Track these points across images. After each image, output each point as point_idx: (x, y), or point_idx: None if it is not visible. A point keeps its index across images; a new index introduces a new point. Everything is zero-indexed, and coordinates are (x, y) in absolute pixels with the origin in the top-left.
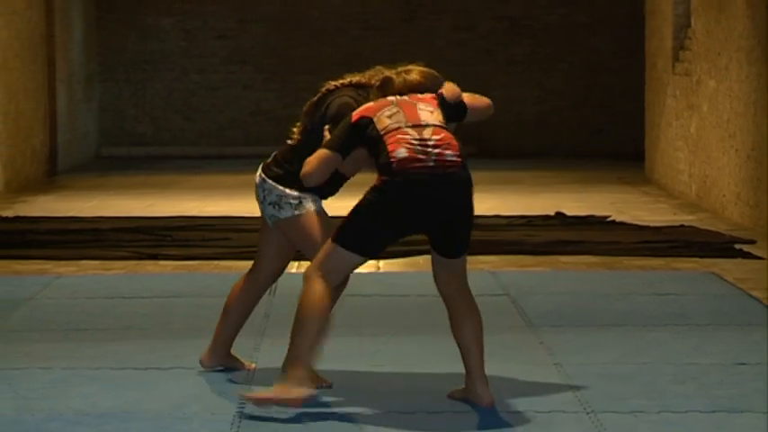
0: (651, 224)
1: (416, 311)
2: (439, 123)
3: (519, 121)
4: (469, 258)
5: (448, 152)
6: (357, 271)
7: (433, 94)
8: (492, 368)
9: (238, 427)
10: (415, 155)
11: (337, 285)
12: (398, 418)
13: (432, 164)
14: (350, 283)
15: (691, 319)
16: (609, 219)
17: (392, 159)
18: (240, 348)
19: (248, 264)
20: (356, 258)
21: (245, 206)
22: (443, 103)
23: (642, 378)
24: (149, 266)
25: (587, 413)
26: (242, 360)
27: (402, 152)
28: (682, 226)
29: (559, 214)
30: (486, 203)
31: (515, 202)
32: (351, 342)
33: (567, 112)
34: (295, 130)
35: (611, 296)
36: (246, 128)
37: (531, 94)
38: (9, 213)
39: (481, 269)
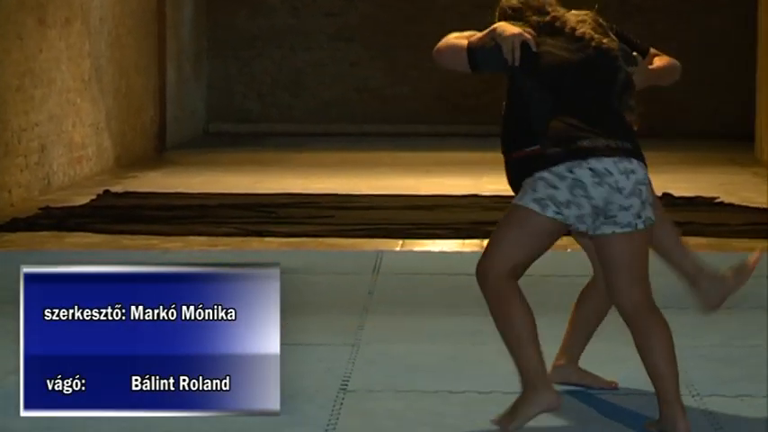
0: (760, 206)
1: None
2: None
3: None
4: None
5: None
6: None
7: None
8: (591, 349)
9: (341, 404)
10: None
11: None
12: (504, 398)
13: None
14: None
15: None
16: (717, 200)
17: None
18: (342, 327)
19: (353, 241)
20: None
21: (350, 184)
22: None
23: (750, 361)
24: (255, 243)
25: (693, 396)
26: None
27: None
28: None
29: (667, 195)
30: None
31: None
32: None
33: (681, 92)
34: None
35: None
36: (352, 105)
37: None
38: (118, 188)
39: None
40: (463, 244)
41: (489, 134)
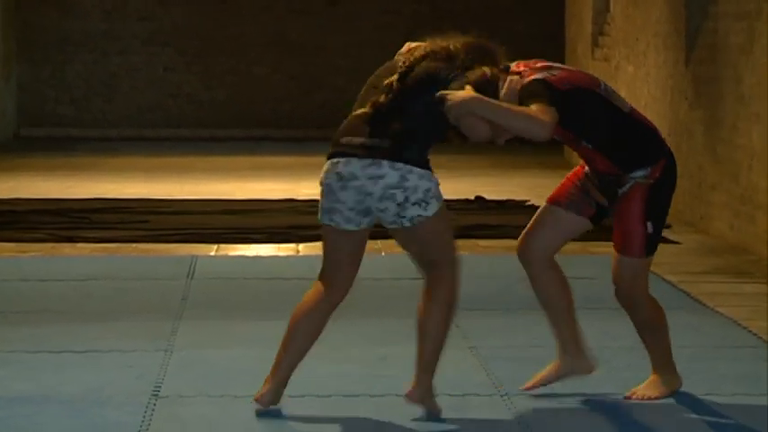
0: None
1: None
2: None
3: None
4: (386, 242)
5: None
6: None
7: None
8: (408, 352)
9: (153, 410)
10: None
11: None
12: (317, 402)
13: None
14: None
15: (603, 302)
16: (528, 203)
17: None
18: (155, 332)
19: (167, 246)
20: None
21: (164, 188)
22: None
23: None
24: (66, 249)
25: (501, 396)
26: None
27: None
28: None
29: (479, 198)
30: None
31: None
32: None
33: None
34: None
35: (527, 280)
36: (167, 110)
37: None
38: None
39: (399, 252)
40: (278, 248)
41: (306, 138)
